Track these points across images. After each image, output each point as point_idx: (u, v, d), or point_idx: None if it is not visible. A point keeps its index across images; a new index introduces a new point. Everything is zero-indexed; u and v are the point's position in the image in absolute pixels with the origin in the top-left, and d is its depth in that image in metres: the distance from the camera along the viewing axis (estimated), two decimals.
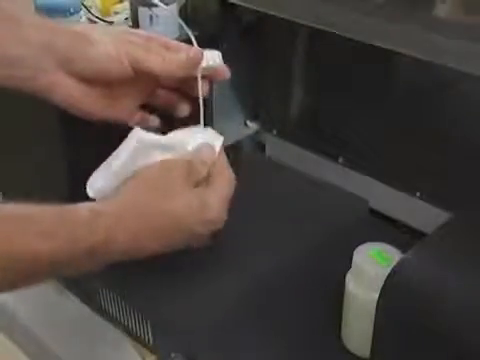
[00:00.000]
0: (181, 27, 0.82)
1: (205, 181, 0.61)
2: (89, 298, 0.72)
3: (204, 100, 0.66)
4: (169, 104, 0.69)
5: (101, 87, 0.63)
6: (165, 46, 0.65)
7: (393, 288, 0.49)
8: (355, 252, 0.59)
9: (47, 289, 0.76)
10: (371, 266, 0.57)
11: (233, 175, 0.64)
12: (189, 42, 0.82)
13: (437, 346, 0.47)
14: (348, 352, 0.61)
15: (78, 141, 0.70)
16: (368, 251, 0.58)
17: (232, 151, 0.72)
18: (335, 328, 0.62)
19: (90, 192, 0.62)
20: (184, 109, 0.69)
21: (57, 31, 0.62)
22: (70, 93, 0.62)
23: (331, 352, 0.61)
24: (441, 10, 0.64)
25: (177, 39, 0.81)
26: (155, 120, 0.68)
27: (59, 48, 0.60)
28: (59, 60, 0.60)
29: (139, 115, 0.67)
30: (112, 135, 0.64)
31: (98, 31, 0.64)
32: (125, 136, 0.63)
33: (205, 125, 0.66)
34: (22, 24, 0.61)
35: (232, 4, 0.80)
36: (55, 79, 0.61)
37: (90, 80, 0.62)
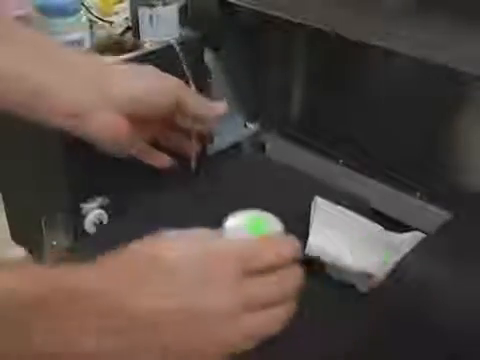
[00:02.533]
0: (181, 27, 0.82)
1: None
2: None
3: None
4: (182, 148, 0.71)
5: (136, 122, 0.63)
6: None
7: (393, 287, 0.49)
8: (227, 219, 0.56)
9: None
10: (240, 235, 0.54)
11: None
12: (189, 44, 0.82)
13: (436, 344, 0.47)
14: None
15: (77, 141, 0.70)
16: (241, 218, 0.56)
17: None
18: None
19: None
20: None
21: (102, 66, 0.63)
22: (109, 127, 0.61)
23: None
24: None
25: (177, 39, 0.81)
26: (170, 161, 0.70)
27: (104, 83, 0.61)
28: (105, 95, 0.61)
29: (138, 147, 0.67)
30: None
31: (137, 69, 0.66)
32: None
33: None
34: (66, 59, 0.61)
35: (232, 4, 0.80)
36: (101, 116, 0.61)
37: (131, 115, 0.62)
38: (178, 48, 0.78)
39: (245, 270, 0.44)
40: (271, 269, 0.45)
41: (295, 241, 0.48)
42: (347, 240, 0.66)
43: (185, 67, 0.77)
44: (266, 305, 0.45)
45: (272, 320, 0.46)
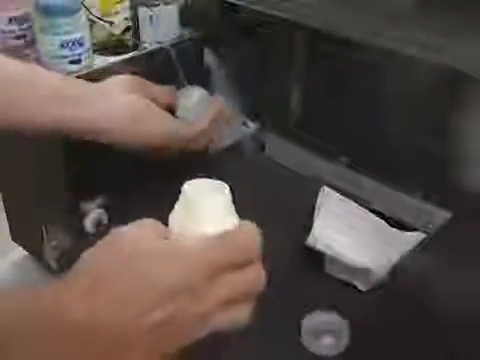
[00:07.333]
0: (181, 27, 0.82)
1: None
2: None
3: None
4: None
5: None
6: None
7: (393, 286, 0.49)
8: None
9: None
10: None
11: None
12: (189, 44, 0.82)
13: (436, 343, 0.47)
14: None
15: (78, 141, 0.70)
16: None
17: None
18: None
19: None
20: None
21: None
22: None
23: None
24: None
25: (176, 39, 0.81)
26: None
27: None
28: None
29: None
30: None
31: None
32: None
33: None
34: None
35: (232, 4, 0.79)
36: None
37: None
38: (173, 52, 0.78)
39: (212, 274, 0.45)
40: (237, 267, 0.46)
41: (256, 234, 0.49)
42: (350, 234, 0.66)
43: (180, 72, 0.77)
44: (232, 303, 0.46)
45: (236, 317, 0.46)
